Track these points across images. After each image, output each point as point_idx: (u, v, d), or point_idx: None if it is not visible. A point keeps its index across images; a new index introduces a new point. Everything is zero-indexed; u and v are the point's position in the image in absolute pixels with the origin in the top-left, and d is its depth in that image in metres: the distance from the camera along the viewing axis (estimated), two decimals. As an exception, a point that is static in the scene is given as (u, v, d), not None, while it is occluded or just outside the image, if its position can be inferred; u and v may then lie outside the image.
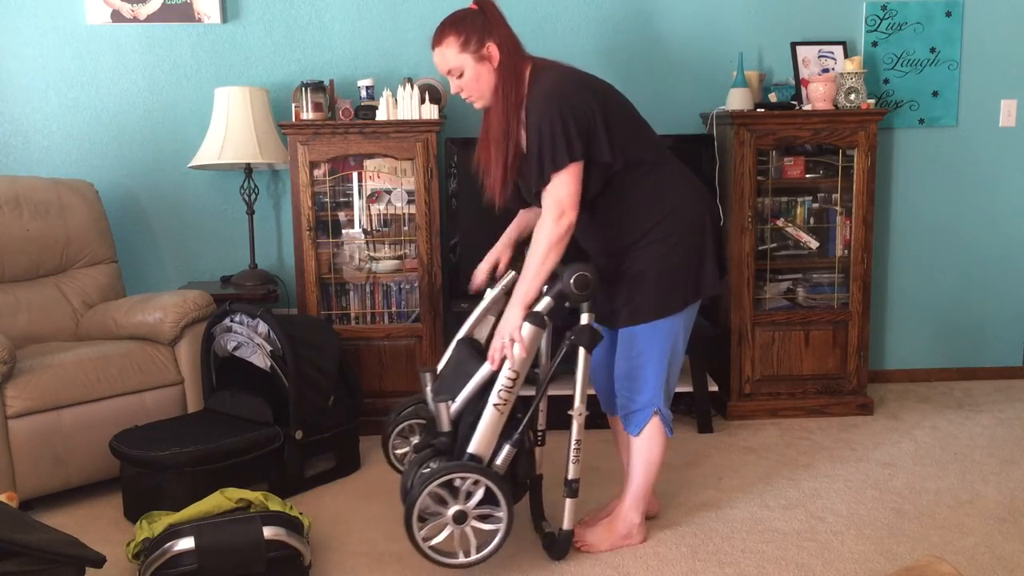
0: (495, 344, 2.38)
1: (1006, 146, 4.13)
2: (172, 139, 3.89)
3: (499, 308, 2.73)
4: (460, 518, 2.34)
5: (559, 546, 2.53)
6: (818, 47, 3.95)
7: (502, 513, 2.36)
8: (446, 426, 2.40)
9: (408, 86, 3.51)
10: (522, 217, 2.75)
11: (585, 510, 2.76)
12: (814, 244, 3.80)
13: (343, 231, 3.68)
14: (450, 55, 2.41)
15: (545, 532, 2.61)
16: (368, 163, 3.61)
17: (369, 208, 3.66)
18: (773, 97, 3.81)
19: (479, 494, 2.34)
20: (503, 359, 2.36)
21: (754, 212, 3.67)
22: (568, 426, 2.47)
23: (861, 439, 3.51)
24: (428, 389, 2.64)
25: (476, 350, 2.65)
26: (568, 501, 2.48)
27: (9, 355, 2.83)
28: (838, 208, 3.79)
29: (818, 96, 3.65)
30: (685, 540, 2.68)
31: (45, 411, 2.92)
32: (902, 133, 4.09)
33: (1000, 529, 2.72)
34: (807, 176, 3.80)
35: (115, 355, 3.11)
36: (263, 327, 3.05)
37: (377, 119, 3.53)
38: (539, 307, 2.38)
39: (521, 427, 2.39)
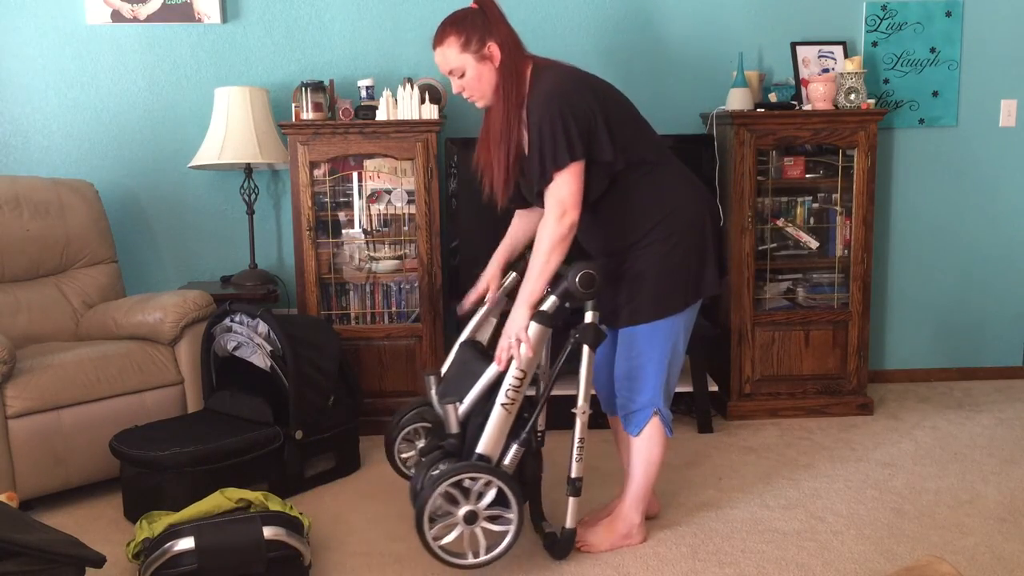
0: (502, 344, 2.39)
1: (1006, 146, 4.13)
2: (172, 139, 3.89)
3: (501, 310, 2.74)
4: (471, 518, 2.35)
5: (562, 545, 2.53)
6: (818, 47, 3.95)
7: (512, 515, 2.36)
8: (454, 428, 2.40)
9: (408, 86, 3.51)
10: (513, 231, 2.74)
11: (585, 510, 2.76)
12: (814, 244, 3.80)
13: (343, 231, 3.68)
14: (451, 55, 2.41)
15: (546, 532, 2.61)
16: (368, 163, 3.61)
17: (369, 208, 3.66)
18: (773, 97, 3.81)
19: (490, 495, 2.34)
20: (510, 359, 2.36)
21: (754, 212, 3.67)
22: (569, 425, 2.47)
23: (861, 439, 3.51)
24: (433, 392, 2.64)
25: (480, 352, 2.65)
26: (571, 500, 2.48)
27: (9, 355, 2.83)
28: (838, 208, 3.79)
29: (818, 96, 3.65)
30: (685, 540, 2.68)
31: (45, 411, 2.92)
32: (902, 133, 4.09)
33: (1000, 529, 2.72)
34: (807, 176, 3.80)
35: (115, 355, 3.11)
36: (263, 327, 3.05)
37: (377, 119, 3.53)
38: (545, 306, 2.39)
39: (528, 426, 2.40)
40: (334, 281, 3.68)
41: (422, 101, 3.51)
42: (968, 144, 4.11)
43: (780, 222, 3.79)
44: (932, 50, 4.02)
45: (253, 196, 3.78)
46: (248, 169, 3.75)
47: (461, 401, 2.41)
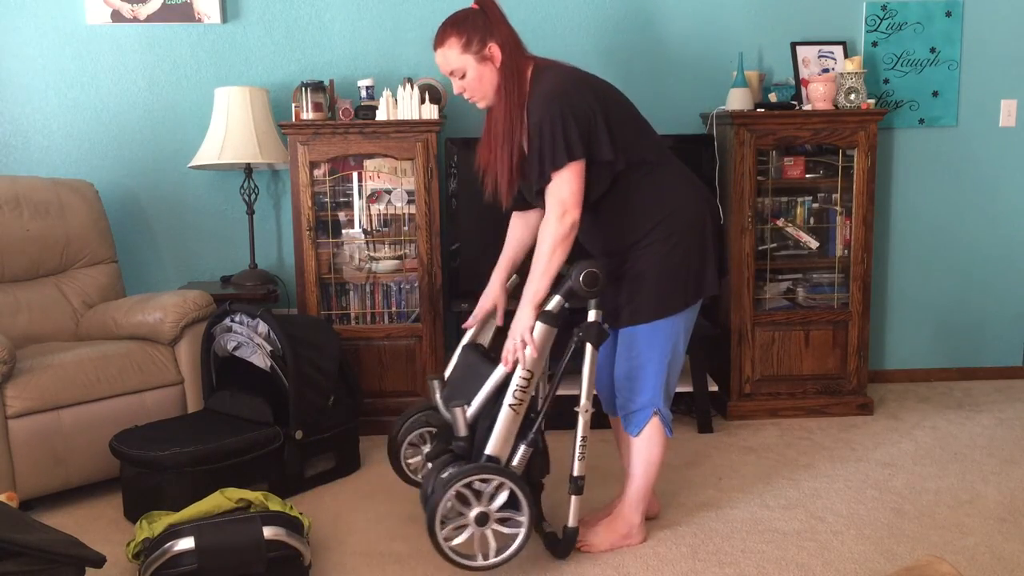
0: (508, 345, 2.39)
1: (1006, 146, 4.13)
2: (172, 139, 3.89)
3: (503, 312, 2.74)
4: (482, 520, 2.35)
5: (564, 545, 2.53)
6: (818, 47, 3.95)
7: (523, 517, 2.37)
8: (463, 431, 2.41)
9: (408, 86, 3.51)
10: (512, 240, 2.73)
11: (585, 509, 2.75)
12: (814, 244, 3.80)
13: (343, 231, 3.68)
14: (452, 56, 2.41)
15: (546, 532, 2.61)
16: (368, 163, 3.61)
17: (369, 208, 3.66)
18: (773, 97, 3.81)
19: (502, 497, 2.35)
20: (516, 360, 2.36)
21: (754, 212, 3.67)
22: (569, 425, 2.47)
23: (861, 439, 3.51)
24: (438, 396, 2.64)
25: (483, 354, 2.66)
26: (573, 498, 2.48)
27: (9, 355, 2.83)
28: (838, 208, 3.79)
29: (818, 96, 3.65)
30: (685, 540, 2.68)
31: (45, 411, 2.92)
32: (902, 133, 4.09)
33: (1000, 529, 2.72)
34: (807, 176, 3.80)
35: (115, 355, 3.10)
36: (263, 327, 3.05)
37: (377, 119, 3.53)
38: (549, 306, 2.39)
39: (536, 426, 2.40)
40: (334, 281, 3.68)
41: (422, 101, 3.51)
42: (968, 144, 4.11)
43: (780, 222, 3.79)
44: (932, 50, 4.02)
45: (253, 196, 3.78)
46: (248, 169, 3.75)
47: (469, 404, 2.41)
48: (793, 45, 3.94)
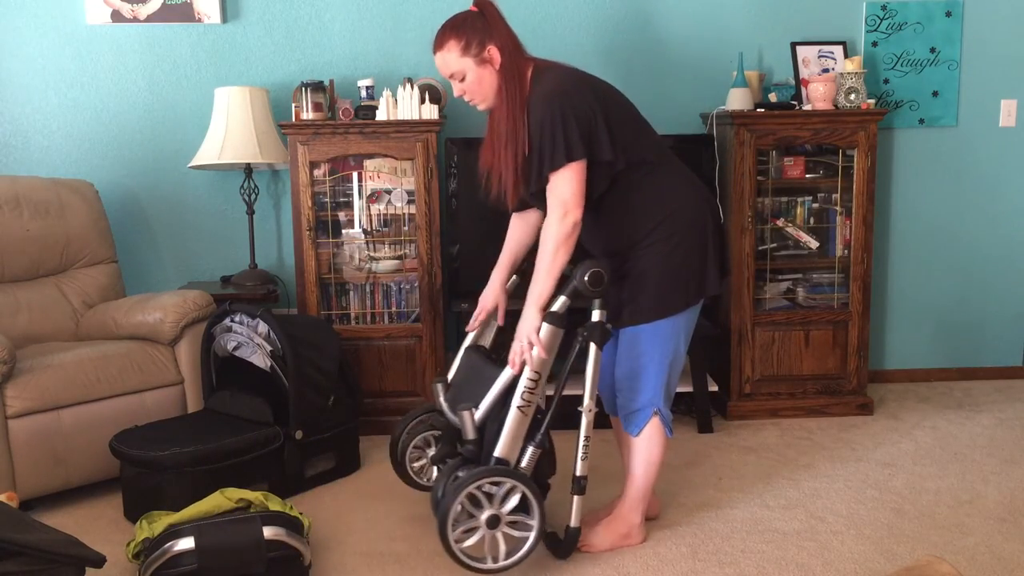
0: (514, 348, 2.39)
1: (1006, 146, 4.13)
2: (172, 139, 3.89)
3: (504, 312, 2.74)
4: (493, 523, 2.36)
5: (565, 545, 2.53)
6: (818, 47, 3.95)
7: (534, 521, 2.38)
8: (471, 434, 2.41)
9: (408, 86, 3.51)
10: (511, 241, 2.74)
11: (586, 509, 2.75)
12: (814, 244, 3.80)
13: (343, 231, 3.68)
14: (451, 59, 2.42)
15: (547, 532, 2.61)
16: (368, 163, 3.61)
17: (369, 208, 3.66)
18: (773, 97, 3.81)
19: (514, 500, 2.36)
20: (524, 361, 2.36)
21: (754, 212, 3.67)
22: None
23: (861, 439, 3.51)
24: (442, 399, 2.65)
25: (486, 356, 2.66)
26: (575, 498, 2.48)
27: (9, 355, 2.83)
28: (838, 208, 3.79)
29: (818, 96, 3.65)
30: (685, 540, 2.68)
31: (45, 411, 2.92)
32: (902, 133, 4.09)
33: (1000, 529, 2.72)
34: (807, 176, 3.80)
35: (115, 355, 3.10)
36: (263, 327, 3.05)
37: (377, 119, 3.53)
38: (555, 307, 2.39)
39: (543, 427, 2.40)
40: (334, 281, 3.68)
41: (422, 101, 3.51)
42: (968, 144, 4.11)
43: (780, 222, 3.79)
44: (932, 50, 4.02)
45: (253, 196, 3.78)
46: (248, 169, 3.75)
47: (476, 407, 2.42)
48: (793, 45, 3.94)
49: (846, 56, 3.93)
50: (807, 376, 3.77)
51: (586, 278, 2.35)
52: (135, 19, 3.81)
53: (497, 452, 2.37)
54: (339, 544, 2.70)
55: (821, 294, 3.81)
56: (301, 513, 2.58)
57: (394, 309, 3.70)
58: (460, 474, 2.38)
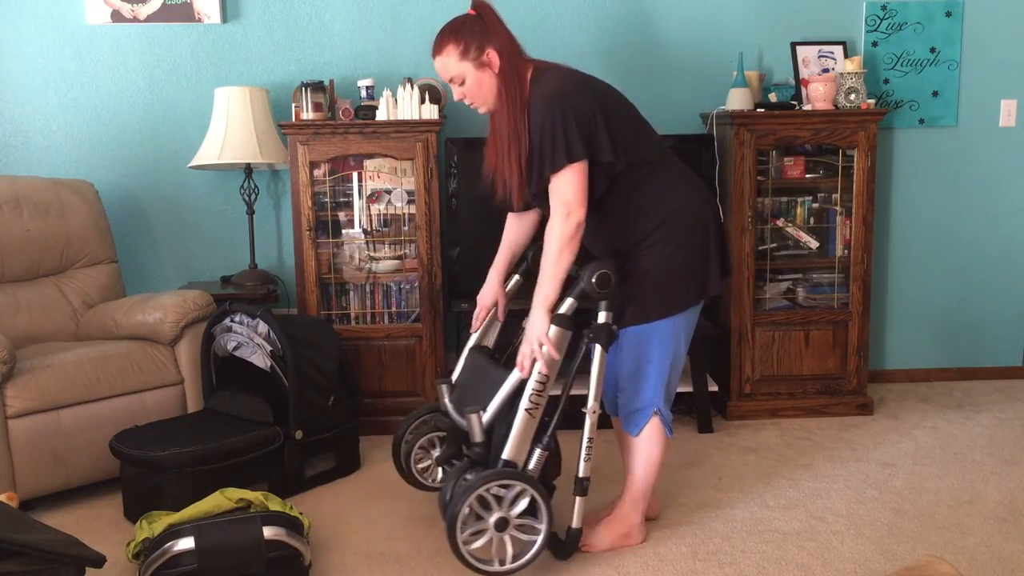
0: (523, 351, 2.39)
1: (1006, 146, 4.13)
2: (172, 139, 3.89)
3: (503, 308, 2.75)
4: (502, 525, 2.36)
5: (566, 546, 2.53)
6: (818, 47, 3.95)
7: (542, 525, 2.39)
8: (479, 436, 2.41)
9: (408, 86, 3.51)
10: (507, 239, 2.75)
11: (586, 509, 2.75)
12: (814, 244, 3.80)
13: (343, 231, 3.68)
14: (451, 63, 2.42)
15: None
16: (368, 163, 3.61)
17: (369, 208, 3.66)
18: (773, 97, 3.81)
19: (523, 504, 2.36)
20: (534, 364, 2.37)
21: (754, 212, 3.67)
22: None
23: (861, 439, 3.51)
24: (446, 399, 2.65)
25: (492, 358, 2.67)
26: (577, 499, 2.48)
27: (9, 355, 2.83)
28: (838, 208, 3.79)
29: (818, 96, 3.65)
30: (685, 540, 2.68)
31: (45, 411, 2.92)
32: (902, 133, 4.09)
33: (1000, 529, 2.72)
34: (807, 176, 3.80)
35: (115, 355, 3.10)
36: (263, 327, 3.05)
37: (377, 119, 3.53)
38: (563, 309, 2.39)
39: (550, 429, 2.41)
40: (334, 281, 3.68)
41: (422, 101, 3.51)
42: (968, 144, 4.11)
43: (780, 222, 3.79)
44: (932, 50, 4.02)
45: (253, 196, 3.78)
46: (248, 169, 3.75)
47: (484, 410, 2.42)
48: (793, 45, 3.94)
49: (846, 56, 3.93)
50: (807, 376, 3.77)
51: (594, 280, 2.35)
52: (135, 19, 3.81)
53: (505, 454, 2.37)
54: (339, 544, 2.70)
55: (821, 294, 3.81)
56: (301, 513, 2.58)
57: (394, 309, 3.70)
58: (469, 477, 2.38)
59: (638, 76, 3.94)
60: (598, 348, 2.42)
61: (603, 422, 2.88)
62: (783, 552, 2.60)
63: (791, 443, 3.47)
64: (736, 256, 3.65)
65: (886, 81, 4.03)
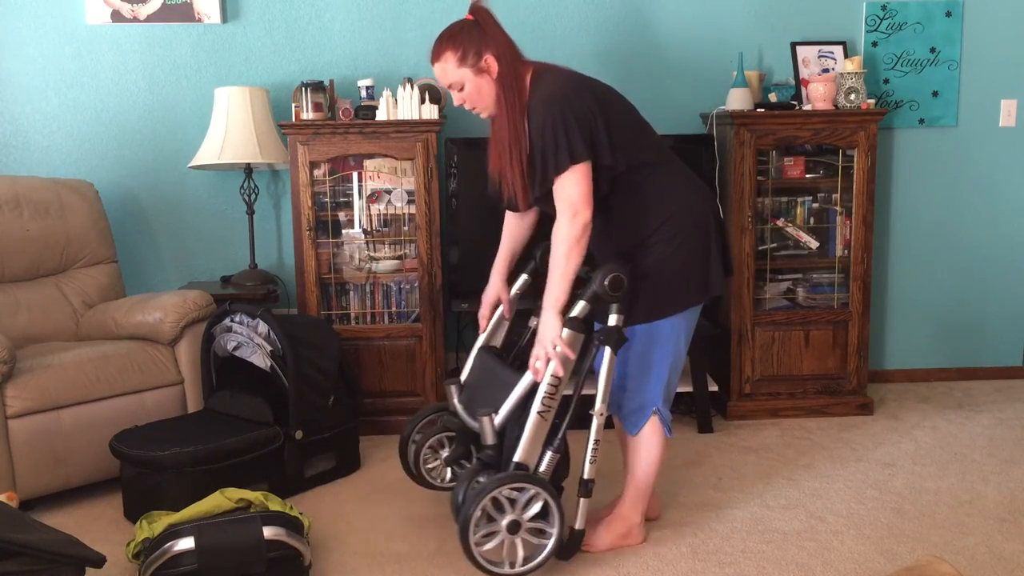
0: (537, 353, 2.39)
1: (1006, 146, 4.13)
2: (172, 139, 3.89)
3: (508, 305, 2.75)
4: (514, 528, 2.36)
5: (569, 546, 2.53)
6: (818, 47, 3.95)
7: (553, 529, 2.39)
8: (491, 439, 2.42)
9: (408, 86, 3.51)
10: (507, 237, 2.75)
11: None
12: (814, 244, 3.80)
13: (343, 231, 3.68)
14: (449, 70, 2.43)
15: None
16: (368, 163, 3.61)
17: (369, 208, 3.66)
18: (773, 97, 3.81)
19: (536, 507, 2.36)
20: (547, 367, 2.37)
21: (754, 212, 3.67)
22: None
23: (861, 439, 3.51)
24: (456, 400, 2.65)
25: (501, 359, 2.67)
26: (581, 501, 2.48)
27: (9, 355, 2.83)
28: (838, 208, 3.79)
29: (818, 96, 3.65)
30: (685, 540, 2.68)
31: (45, 411, 2.92)
32: (902, 133, 4.09)
33: (1000, 529, 2.72)
34: (807, 176, 3.80)
35: (115, 355, 3.10)
36: (263, 327, 3.05)
37: (377, 119, 3.53)
38: (575, 311, 2.39)
39: (561, 432, 2.41)
40: (334, 281, 3.68)
41: (422, 101, 3.51)
42: (968, 144, 4.11)
43: (780, 222, 3.79)
44: (932, 50, 4.02)
45: (253, 196, 3.78)
46: (248, 169, 3.75)
47: (496, 412, 2.42)
48: (793, 45, 3.94)
49: (846, 56, 3.93)
50: (807, 376, 3.77)
51: (606, 282, 2.35)
52: (135, 19, 3.81)
53: (517, 457, 2.37)
54: (339, 544, 2.70)
55: (821, 294, 3.81)
56: (301, 513, 2.58)
57: (394, 309, 3.70)
58: (481, 479, 2.39)
59: (638, 76, 3.94)
60: (608, 350, 2.42)
61: (608, 423, 2.89)
62: (783, 552, 2.60)
63: (791, 443, 3.47)
64: (736, 256, 3.65)
65: (886, 81, 4.03)
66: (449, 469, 2.90)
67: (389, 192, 3.65)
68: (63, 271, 3.58)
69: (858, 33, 4.01)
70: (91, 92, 3.86)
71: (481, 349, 2.74)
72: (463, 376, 2.74)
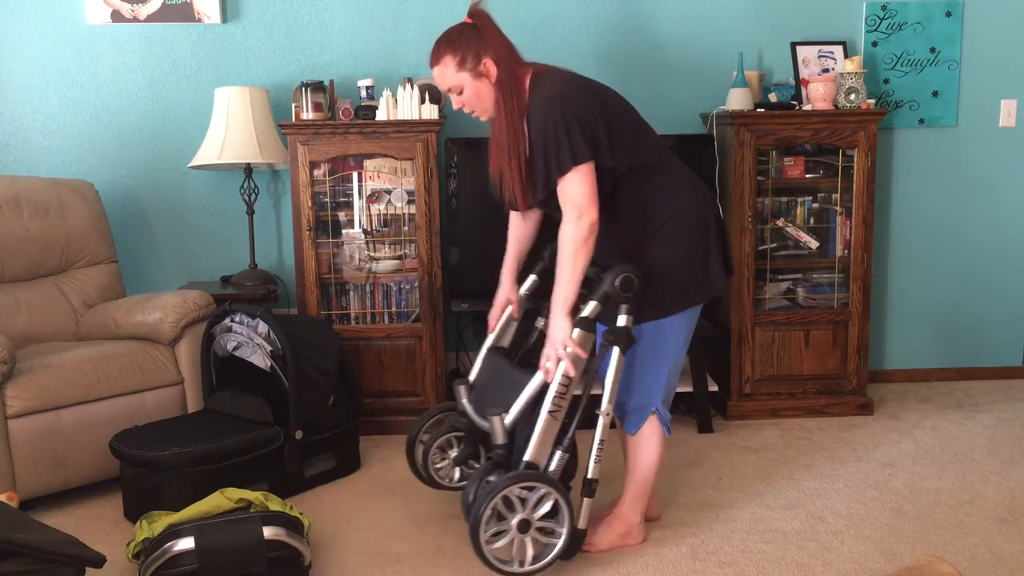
0: (548, 353, 2.39)
1: (1006, 146, 4.13)
2: (172, 139, 3.89)
3: (518, 305, 2.75)
4: (524, 527, 2.37)
5: (571, 546, 2.53)
6: (818, 47, 3.95)
7: (563, 528, 2.39)
8: (502, 439, 2.42)
9: (408, 86, 3.51)
10: (514, 239, 2.76)
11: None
12: (814, 244, 3.80)
13: (343, 231, 3.68)
14: (448, 74, 2.43)
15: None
16: (368, 163, 3.61)
17: (369, 208, 3.66)
18: (773, 97, 3.81)
19: (546, 506, 2.37)
20: (558, 368, 2.37)
21: (754, 212, 3.67)
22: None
23: (861, 439, 3.51)
24: (464, 400, 2.65)
25: (511, 359, 2.67)
26: (584, 500, 2.48)
27: (9, 355, 2.83)
28: (838, 208, 3.79)
29: (818, 96, 3.65)
30: (685, 540, 2.68)
31: (45, 411, 2.92)
32: (902, 133, 4.09)
33: (1000, 529, 2.72)
34: (807, 176, 3.80)
35: (115, 355, 3.10)
36: (263, 327, 3.05)
37: (377, 119, 3.53)
38: (586, 312, 2.39)
39: (570, 432, 2.41)
40: (334, 281, 3.68)
41: (422, 101, 3.51)
42: (968, 144, 4.11)
43: (780, 222, 3.79)
44: (932, 50, 4.02)
45: (253, 196, 3.78)
46: (248, 169, 3.75)
47: (507, 412, 2.42)
48: (793, 45, 3.94)
49: (846, 56, 3.93)
50: (807, 376, 3.77)
51: (617, 283, 2.35)
52: (135, 19, 3.81)
53: (527, 456, 2.37)
54: (339, 544, 2.70)
55: (821, 294, 3.81)
56: (301, 513, 2.58)
57: (394, 309, 3.70)
58: (492, 478, 2.39)
59: (638, 76, 3.94)
60: (616, 350, 2.42)
61: (613, 423, 2.90)
62: (783, 552, 2.60)
63: (791, 443, 3.47)
64: (736, 256, 3.65)
65: (886, 81, 4.03)
66: (457, 469, 2.90)
67: (389, 192, 3.65)
68: (63, 271, 3.58)
69: (858, 33, 4.01)
70: (91, 92, 3.86)
71: (490, 349, 2.75)
72: (472, 376, 2.74)
